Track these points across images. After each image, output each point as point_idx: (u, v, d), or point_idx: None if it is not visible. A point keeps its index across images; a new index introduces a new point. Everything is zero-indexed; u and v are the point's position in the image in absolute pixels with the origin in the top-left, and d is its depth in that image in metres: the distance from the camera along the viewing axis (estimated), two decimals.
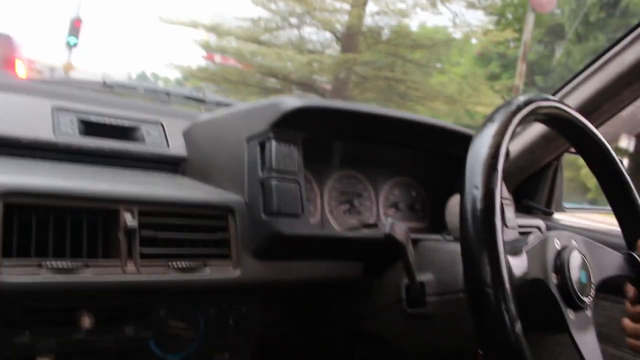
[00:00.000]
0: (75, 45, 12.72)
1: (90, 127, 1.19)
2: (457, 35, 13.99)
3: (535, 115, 0.87)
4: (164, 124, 1.29)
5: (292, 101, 1.07)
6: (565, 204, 1.87)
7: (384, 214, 1.39)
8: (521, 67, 9.81)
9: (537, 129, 1.68)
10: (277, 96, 1.11)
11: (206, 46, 13.95)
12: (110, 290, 0.90)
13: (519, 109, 0.82)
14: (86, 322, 0.89)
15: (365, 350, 1.26)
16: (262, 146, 1.07)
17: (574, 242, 0.94)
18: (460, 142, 1.29)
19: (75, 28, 12.58)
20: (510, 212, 1.34)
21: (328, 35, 13.30)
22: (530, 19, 10.56)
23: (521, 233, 1.39)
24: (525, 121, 0.84)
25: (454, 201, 1.20)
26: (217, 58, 14.56)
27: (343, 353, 1.29)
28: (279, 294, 1.22)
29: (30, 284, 0.83)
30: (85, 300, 0.91)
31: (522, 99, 0.85)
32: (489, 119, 0.80)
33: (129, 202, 0.94)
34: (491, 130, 0.77)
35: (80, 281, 0.86)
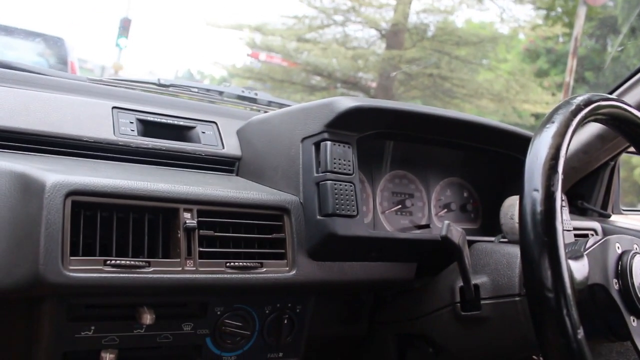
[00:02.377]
0: (125, 47, 13.02)
1: (147, 127, 1.22)
2: (504, 30, 13.75)
3: (595, 116, 0.85)
4: (218, 124, 1.30)
5: (346, 101, 1.07)
6: (623, 207, 1.82)
7: (436, 215, 1.38)
8: (572, 63, 9.52)
9: (592, 128, 1.64)
10: (329, 96, 1.11)
11: (251, 44, 14.06)
12: (170, 288, 0.92)
13: (579, 109, 0.80)
14: (147, 318, 0.90)
15: (416, 353, 1.25)
16: (317, 146, 1.07)
17: (636, 247, 0.91)
18: (516, 142, 1.27)
19: (124, 28, 12.82)
20: (565, 213, 1.32)
21: (373, 32, 13.21)
22: (582, 12, 10.25)
23: (576, 236, 1.36)
24: (585, 122, 0.82)
25: (509, 203, 1.18)
26: (262, 56, 14.62)
27: (394, 355, 1.28)
28: (332, 295, 1.22)
29: (96, 280, 0.85)
30: (146, 297, 0.93)
31: (581, 98, 0.83)
32: (548, 119, 0.79)
33: (188, 202, 0.95)
34: (551, 131, 0.75)
35: (142, 279, 0.89)
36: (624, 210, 1.82)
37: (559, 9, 13.81)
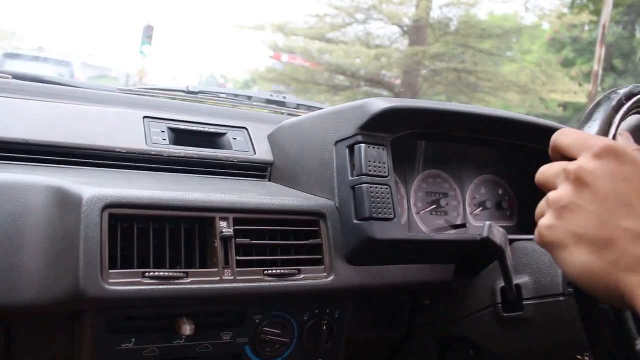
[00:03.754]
0: (148, 54, 13.15)
1: (179, 136, 1.22)
2: (529, 21, 13.54)
3: (637, 109, 0.82)
4: (249, 129, 1.30)
5: (379, 103, 1.06)
6: None
7: (472, 214, 1.35)
8: (600, 52, 9.32)
9: (633, 119, 1.59)
10: (353, 95, 1.10)
11: (274, 46, 14.12)
12: (209, 298, 0.92)
13: (620, 104, 0.77)
14: (186, 328, 0.90)
15: (456, 356, 1.23)
16: (352, 149, 1.06)
17: None
18: (550, 137, 1.24)
19: (148, 35, 12.92)
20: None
21: (395, 29, 13.15)
22: None
23: None
24: (628, 116, 0.79)
25: None
26: (284, 57, 14.66)
27: (434, 358, 1.26)
28: (371, 299, 1.21)
29: (135, 293, 0.85)
30: (185, 307, 0.92)
31: (622, 92, 0.80)
32: (589, 117, 0.76)
33: (224, 211, 0.95)
34: (593, 130, 0.73)
35: (181, 289, 0.89)
36: None
37: None
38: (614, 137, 0.74)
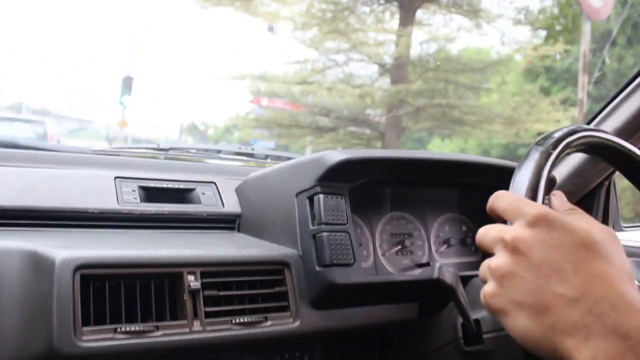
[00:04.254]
0: (128, 104, 13.22)
1: (149, 193, 1.27)
2: (503, 53, 13.75)
3: (573, 148, 0.88)
4: (217, 183, 1.36)
5: (335, 155, 1.12)
6: (623, 224, 1.84)
7: (436, 252, 1.41)
8: (582, 80, 9.54)
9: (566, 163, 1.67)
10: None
11: (255, 91, 14.04)
12: (180, 349, 0.95)
13: (558, 142, 0.83)
14: None
15: None
16: (311, 200, 1.12)
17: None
18: (503, 174, 1.30)
19: (127, 86, 12.96)
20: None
21: (376, 68, 13.14)
22: (587, 28, 10.29)
23: None
24: (565, 153, 0.85)
25: None
26: (264, 101, 14.55)
27: None
28: (340, 341, 1.25)
29: (108, 348, 0.89)
30: (157, 359, 0.96)
31: (560, 132, 0.86)
32: (527, 155, 0.82)
33: (191, 265, 1.00)
34: (530, 164, 0.78)
35: (152, 342, 0.93)
36: (624, 227, 1.83)
37: (558, 27, 13.90)
38: (546, 193, 0.80)
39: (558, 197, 0.78)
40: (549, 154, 0.79)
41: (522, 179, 0.75)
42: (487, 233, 0.67)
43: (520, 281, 0.60)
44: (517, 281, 0.61)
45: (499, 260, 0.63)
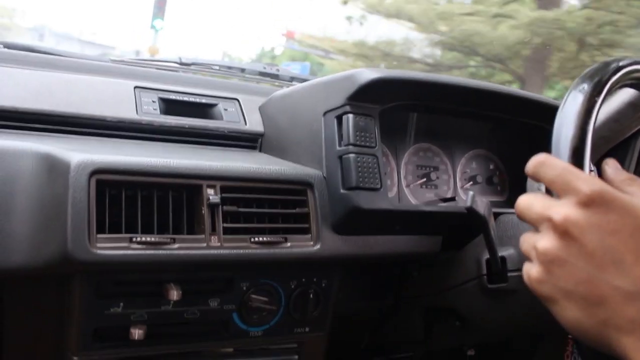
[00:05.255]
0: (161, 28, 11.76)
1: (170, 105, 1.23)
2: None
3: (625, 81, 0.82)
4: (240, 101, 1.30)
5: (368, 73, 1.06)
6: None
7: (462, 188, 1.36)
8: None
9: (623, 95, 1.59)
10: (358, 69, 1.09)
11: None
12: (196, 264, 0.93)
13: (609, 74, 0.77)
14: (173, 294, 0.91)
15: (443, 326, 1.25)
16: (339, 120, 1.06)
17: None
18: (543, 112, 1.24)
19: (160, 8, 11.62)
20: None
21: None
22: None
23: None
24: (613, 90, 0.79)
25: None
26: (298, 35, 13.60)
27: (421, 328, 1.28)
28: (358, 269, 1.22)
29: (122, 257, 0.87)
30: (173, 273, 0.94)
31: (608, 64, 0.80)
32: (574, 89, 0.76)
33: (211, 178, 0.96)
34: (576, 105, 0.71)
35: (168, 255, 0.90)
36: None
37: None
38: (599, 107, 0.73)
39: (612, 166, 0.72)
40: (594, 102, 0.72)
41: (564, 138, 0.68)
42: (530, 207, 0.60)
43: (571, 269, 0.55)
44: (567, 269, 0.55)
45: (546, 242, 0.57)
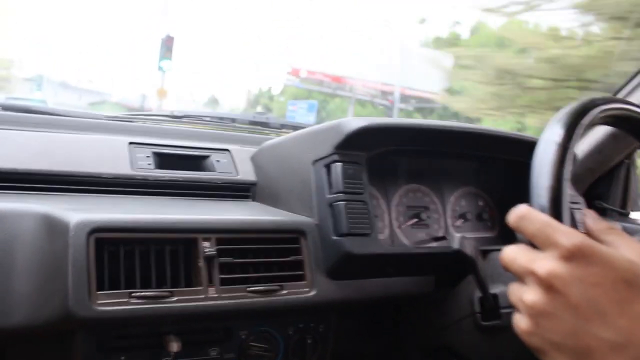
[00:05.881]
0: (169, 70, 11.11)
1: (163, 159, 1.26)
2: None
3: (601, 120, 0.85)
4: (231, 151, 1.34)
5: (354, 122, 1.10)
6: None
7: (452, 226, 1.39)
8: None
9: (605, 128, 1.63)
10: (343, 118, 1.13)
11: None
12: (194, 315, 0.95)
13: (580, 115, 0.79)
14: (174, 345, 0.93)
15: None
16: (328, 168, 1.10)
17: None
18: (524, 149, 1.28)
19: (167, 47, 10.91)
20: (582, 215, 1.32)
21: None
22: None
23: None
24: (586, 131, 0.81)
25: None
26: (303, 72, 13.32)
27: None
28: (354, 312, 1.24)
29: (123, 312, 0.89)
30: (172, 325, 0.95)
31: (583, 102, 0.83)
32: (547, 136, 0.78)
33: (207, 231, 0.98)
34: (549, 154, 0.70)
35: (167, 308, 0.92)
36: None
37: None
38: (574, 144, 0.75)
39: (590, 217, 0.72)
40: (566, 149, 0.73)
41: (542, 189, 0.68)
42: (515, 260, 0.61)
43: (558, 322, 0.56)
44: (554, 322, 0.56)
45: (532, 296, 0.58)
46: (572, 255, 0.56)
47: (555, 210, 0.66)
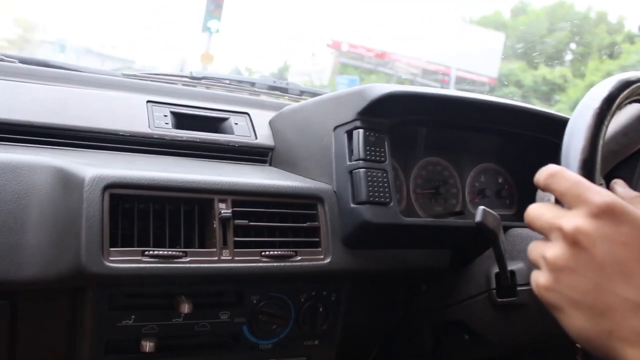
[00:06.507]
0: (216, 31, 9.46)
1: (181, 120, 1.24)
2: None
3: (635, 97, 0.82)
4: (250, 115, 1.32)
5: (379, 88, 1.07)
6: None
7: (470, 201, 1.37)
8: None
9: (631, 109, 1.59)
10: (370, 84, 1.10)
11: None
12: (207, 278, 0.94)
13: (617, 92, 0.77)
14: (185, 307, 0.92)
15: (452, 340, 1.25)
16: (350, 135, 1.07)
17: None
18: (552, 126, 1.25)
19: (216, 5, 9.24)
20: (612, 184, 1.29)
21: None
22: None
23: None
24: (623, 105, 0.79)
25: None
26: (345, 46, 12.55)
27: (430, 342, 1.28)
28: (368, 282, 1.22)
29: (135, 271, 0.88)
30: (184, 286, 0.94)
31: (618, 79, 0.80)
32: (584, 103, 0.76)
33: (223, 192, 0.97)
34: (585, 119, 0.71)
35: (179, 268, 0.91)
36: None
37: None
38: (609, 122, 0.73)
39: (621, 185, 0.72)
40: (603, 116, 0.72)
41: (574, 150, 0.68)
42: (541, 216, 0.60)
43: (580, 279, 0.55)
44: (575, 278, 0.55)
45: (555, 251, 0.57)
46: (602, 213, 0.55)
47: (588, 171, 0.65)
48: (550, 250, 0.58)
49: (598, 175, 0.68)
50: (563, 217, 0.57)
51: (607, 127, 0.71)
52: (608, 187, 1.58)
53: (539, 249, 0.60)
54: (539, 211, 0.61)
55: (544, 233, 0.60)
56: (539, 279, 0.59)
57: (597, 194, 0.56)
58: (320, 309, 1.07)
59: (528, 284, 1.03)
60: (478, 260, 1.13)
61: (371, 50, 12.48)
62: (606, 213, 0.55)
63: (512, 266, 1.04)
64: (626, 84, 0.76)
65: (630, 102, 0.81)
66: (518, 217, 1.41)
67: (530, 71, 10.74)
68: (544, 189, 0.62)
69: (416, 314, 1.29)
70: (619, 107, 0.76)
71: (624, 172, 1.73)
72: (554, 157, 0.77)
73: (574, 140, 0.68)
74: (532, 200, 1.19)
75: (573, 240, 0.56)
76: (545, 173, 0.62)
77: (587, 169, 0.66)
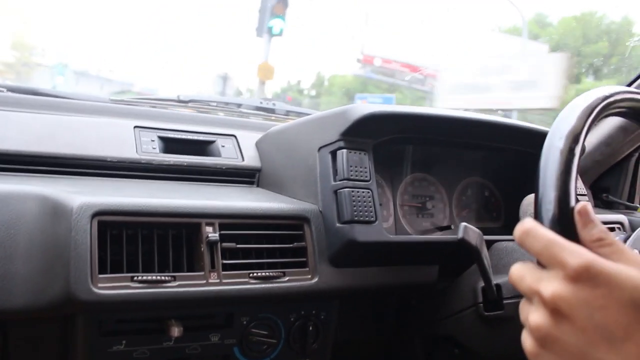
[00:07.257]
0: (280, 32, 7.48)
1: (168, 144, 1.26)
2: None
3: (612, 110, 0.83)
4: (237, 137, 1.33)
5: (360, 109, 1.09)
6: None
7: (457, 216, 1.38)
8: None
9: (614, 120, 1.62)
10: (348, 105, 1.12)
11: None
12: (196, 301, 0.94)
13: (594, 105, 0.78)
14: (175, 330, 0.93)
15: (443, 355, 1.26)
16: (334, 155, 1.09)
17: None
18: (531, 139, 1.27)
19: (281, 2, 7.28)
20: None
21: None
22: None
23: None
24: (600, 118, 0.80)
25: (528, 201, 1.18)
26: (377, 61, 11.95)
27: (420, 357, 1.29)
28: (356, 300, 1.23)
29: (124, 296, 0.88)
30: (174, 310, 0.95)
31: (596, 93, 0.81)
32: (562, 117, 0.77)
33: (210, 216, 0.98)
34: (554, 164, 0.68)
35: (168, 292, 0.92)
36: None
37: None
38: (586, 134, 0.73)
39: (582, 223, 0.65)
40: (572, 156, 0.70)
41: (546, 204, 0.65)
42: (522, 278, 0.59)
43: (564, 346, 0.54)
44: (560, 345, 0.54)
45: (538, 317, 0.56)
46: (579, 276, 0.54)
47: (563, 225, 0.63)
48: (532, 316, 0.57)
49: (576, 223, 0.66)
50: (541, 282, 0.56)
51: (577, 166, 0.69)
52: (593, 197, 1.59)
53: (524, 312, 0.60)
54: (520, 273, 0.60)
55: (526, 296, 0.59)
56: (526, 343, 0.59)
57: (572, 254, 0.55)
58: (310, 328, 1.08)
59: (515, 297, 1.04)
60: (465, 274, 1.14)
61: (407, 66, 11.77)
62: (582, 276, 0.53)
63: (497, 280, 1.05)
64: (589, 112, 0.74)
65: (603, 118, 0.82)
66: (505, 229, 1.42)
67: (572, 86, 10.28)
68: (521, 247, 0.61)
69: (407, 329, 1.30)
70: (587, 133, 0.75)
71: (609, 182, 1.76)
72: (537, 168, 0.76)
73: (546, 193, 0.66)
74: (518, 212, 1.21)
75: (553, 308, 0.55)
76: (519, 231, 0.60)
77: (562, 224, 0.64)
